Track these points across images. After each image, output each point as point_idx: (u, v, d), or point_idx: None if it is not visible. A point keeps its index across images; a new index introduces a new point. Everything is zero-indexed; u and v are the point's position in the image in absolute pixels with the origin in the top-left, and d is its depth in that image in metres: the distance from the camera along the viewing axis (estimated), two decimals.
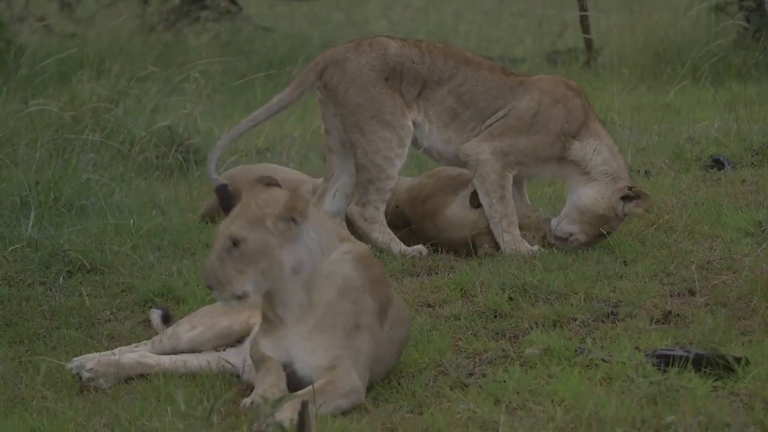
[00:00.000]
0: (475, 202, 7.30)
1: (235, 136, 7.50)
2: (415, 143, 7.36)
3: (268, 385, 5.06)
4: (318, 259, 5.14)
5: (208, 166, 7.27)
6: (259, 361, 5.21)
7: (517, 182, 7.46)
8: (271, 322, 5.20)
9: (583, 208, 7.25)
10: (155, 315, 6.38)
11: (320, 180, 7.70)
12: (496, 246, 7.23)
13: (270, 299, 5.15)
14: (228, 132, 10.06)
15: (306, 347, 5.11)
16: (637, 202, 7.23)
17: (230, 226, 5.08)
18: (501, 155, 7.23)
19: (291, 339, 5.15)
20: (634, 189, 7.24)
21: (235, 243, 5.04)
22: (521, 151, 7.25)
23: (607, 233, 7.22)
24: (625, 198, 7.23)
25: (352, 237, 5.39)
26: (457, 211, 7.37)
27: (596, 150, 7.29)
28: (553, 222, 7.35)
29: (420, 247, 7.27)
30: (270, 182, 5.22)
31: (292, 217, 5.06)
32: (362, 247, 5.30)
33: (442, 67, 7.33)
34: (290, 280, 5.10)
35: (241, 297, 5.08)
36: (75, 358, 5.78)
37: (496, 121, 7.30)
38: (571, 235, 7.27)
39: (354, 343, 5.13)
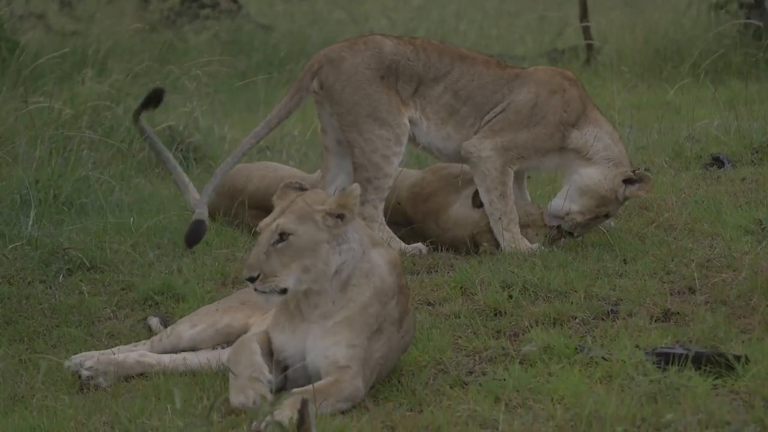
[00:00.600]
0: (477, 201, 7.30)
1: (239, 156, 7.51)
2: (414, 141, 7.36)
3: (251, 368, 5.09)
4: (359, 259, 5.17)
5: (205, 190, 7.31)
6: (240, 351, 5.22)
7: (518, 178, 7.46)
8: (288, 313, 5.21)
9: (585, 187, 7.26)
10: (154, 322, 6.38)
11: (316, 174, 7.70)
12: (496, 244, 7.23)
13: (302, 296, 5.17)
14: (226, 131, 10.09)
15: (328, 340, 5.13)
16: (639, 186, 7.24)
17: (278, 219, 5.10)
18: (502, 151, 7.23)
19: (310, 332, 5.16)
20: (637, 172, 7.26)
21: (283, 236, 5.06)
22: (522, 145, 7.26)
23: (605, 216, 7.24)
24: (627, 181, 7.25)
25: (382, 241, 5.41)
26: (460, 210, 7.37)
27: (596, 137, 7.31)
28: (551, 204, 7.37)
29: (419, 245, 7.27)
30: (301, 187, 5.26)
31: (341, 213, 5.09)
32: (395, 253, 5.34)
33: (437, 64, 7.34)
34: (330, 280, 5.13)
35: (283, 291, 5.08)
36: (73, 356, 5.79)
37: (495, 116, 7.31)
38: (567, 214, 7.26)
39: (372, 345, 5.16)
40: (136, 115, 7.56)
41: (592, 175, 7.28)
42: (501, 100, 7.33)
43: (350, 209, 5.10)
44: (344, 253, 5.13)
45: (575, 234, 7.24)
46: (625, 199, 7.29)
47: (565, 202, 7.26)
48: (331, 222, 5.10)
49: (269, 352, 5.22)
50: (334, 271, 5.12)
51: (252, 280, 5.07)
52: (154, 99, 7.53)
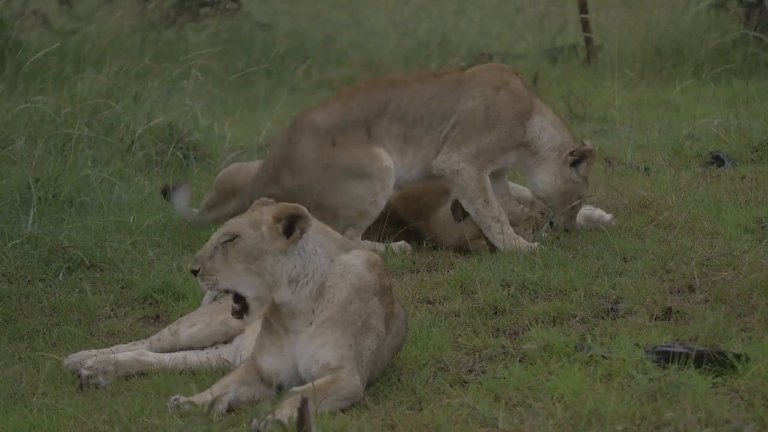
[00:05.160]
0: (456, 215, 7.28)
1: None
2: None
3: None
4: (326, 266, 5.17)
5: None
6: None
7: (499, 177, 7.43)
8: (271, 334, 5.21)
9: (544, 194, 7.35)
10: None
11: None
12: (492, 248, 7.22)
13: (278, 311, 5.17)
14: (226, 129, 10.10)
15: (314, 343, 5.12)
16: (586, 162, 7.31)
17: (231, 222, 5.14)
18: (473, 159, 7.22)
19: (297, 342, 5.16)
20: (574, 152, 7.30)
21: (232, 238, 5.08)
22: (489, 149, 7.26)
23: (579, 199, 7.33)
24: (574, 164, 7.30)
25: (357, 245, 5.40)
26: (448, 213, 7.35)
27: (542, 128, 7.35)
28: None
29: (402, 242, 7.28)
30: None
31: (284, 223, 5.08)
32: (374, 254, 5.33)
33: (372, 103, 7.29)
34: (290, 290, 5.12)
35: (228, 291, 5.11)
36: (71, 355, 5.79)
37: (451, 129, 7.29)
38: (551, 223, 7.37)
39: (361, 343, 5.15)
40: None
41: (544, 180, 7.33)
42: (450, 111, 7.31)
43: (287, 217, 5.09)
44: (302, 267, 5.13)
45: (569, 230, 7.31)
46: (584, 177, 7.34)
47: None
48: (274, 234, 5.09)
49: (259, 380, 5.22)
50: (293, 281, 5.11)
51: (195, 273, 5.11)
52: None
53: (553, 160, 7.31)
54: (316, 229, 5.18)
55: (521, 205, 7.37)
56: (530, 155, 7.34)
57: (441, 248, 7.30)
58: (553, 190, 7.31)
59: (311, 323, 5.15)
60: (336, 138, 7.24)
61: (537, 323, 5.95)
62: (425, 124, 7.29)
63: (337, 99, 7.36)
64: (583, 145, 7.38)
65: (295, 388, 5.02)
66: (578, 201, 7.34)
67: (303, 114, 7.40)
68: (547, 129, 7.34)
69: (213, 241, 5.13)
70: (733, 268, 6.48)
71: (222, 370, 5.59)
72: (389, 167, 7.21)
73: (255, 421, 4.76)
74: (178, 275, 7.02)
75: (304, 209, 5.13)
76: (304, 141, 7.24)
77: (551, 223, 7.37)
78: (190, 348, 5.77)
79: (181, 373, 5.62)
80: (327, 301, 5.15)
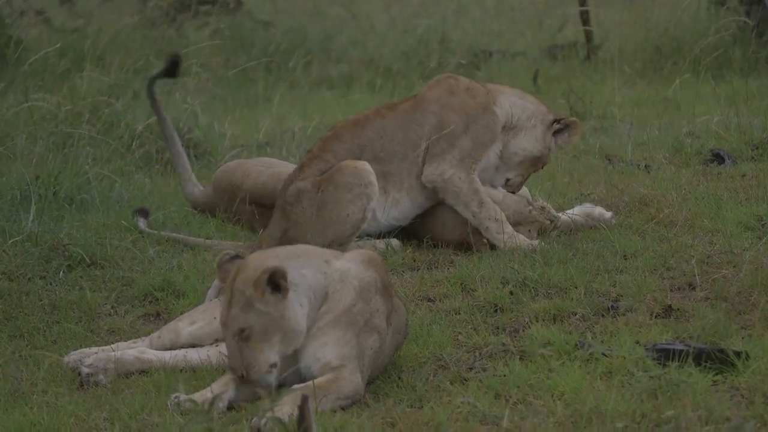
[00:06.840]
0: None
1: None
2: (377, 223, 7.29)
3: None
4: (322, 280, 5.16)
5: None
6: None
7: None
8: None
9: (522, 158, 7.41)
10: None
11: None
12: (492, 246, 7.21)
13: None
14: (226, 127, 10.09)
15: (316, 342, 5.12)
16: (568, 132, 7.44)
17: (229, 317, 5.08)
18: (459, 163, 7.24)
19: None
20: (562, 121, 7.43)
21: (242, 331, 5.06)
22: (470, 149, 7.27)
23: (542, 167, 7.53)
24: (556, 132, 7.43)
25: (342, 252, 5.39)
26: (447, 211, 7.36)
27: (511, 104, 7.43)
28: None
29: (392, 240, 7.28)
30: (235, 257, 5.27)
31: (269, 287, 5.04)
32: (371, 252, 5.33)
33: (346, 152, 7.27)
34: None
35: (271, 369, 5.07)
36: (72, 353, 5.79)
37: (426, 148, 7.29)
38: (507, 180, 7.43)
39: (364, 342, 5.15)
40: (151, 82, 8.14)
41: (525, 146, 7.42)
42: (418, 137, 7.31)
43: (270, 276, 5.03)
44: (305, 304, 5.11)
45: (514, 192, 7.43)
46: (558, 147, 7.52)
47: (505, 171, 7.44)
48: (268, 301, 5.04)
49: None
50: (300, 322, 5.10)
51: (242, 378, 5.09)
52: (171, 70, 8.10)
53: (532, 128, 7.43)
54: (295, 265, 5.14)
55: (530, 207, 7.36)
56: (509, 131, 7.42)
57: (441, 246, 7.30)
58: (530, 155, 7.41)
59: (313, 326, 5.14)
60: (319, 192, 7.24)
61: (537, 321, 5.95)
62: (399, 158, 7.30)
63: (312, 158, 7.32)
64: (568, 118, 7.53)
65: (295, 386, 5.02)
66: (541, 167, 7.51)
67: (286, 185, 7.33)
68: (516, 103, 7.44)
69: (230, 343, 5.07)
70: (734, 266, 6.48)
71: (223, 367, 5.58)
72: (371, 181, 7.14)
73: (255, 418, 4.76)
74: (179, 273, 7.02)
75: (274, 262, 5.05)
76: (298, 211, 7.19)
77: (507, 180, 7.44)
78: (190, 345, 5.77)
79: (181, 370, 5.62)
80: (330, 306, 5.15)
